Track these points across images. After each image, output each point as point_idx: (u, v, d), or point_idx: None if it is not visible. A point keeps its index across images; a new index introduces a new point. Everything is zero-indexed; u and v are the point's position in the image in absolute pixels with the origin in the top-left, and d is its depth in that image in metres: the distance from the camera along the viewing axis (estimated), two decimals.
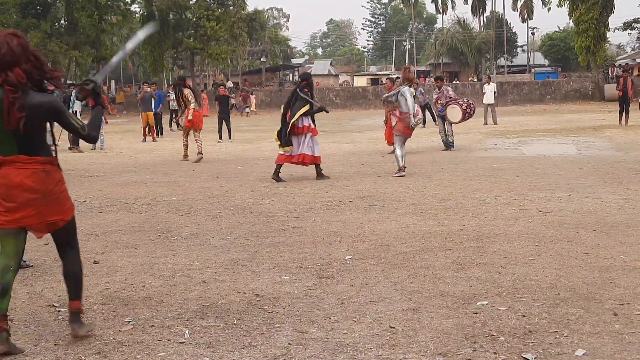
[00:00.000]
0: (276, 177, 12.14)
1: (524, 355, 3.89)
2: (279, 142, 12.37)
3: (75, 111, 20.35)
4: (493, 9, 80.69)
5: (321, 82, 71.67)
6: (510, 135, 21.76)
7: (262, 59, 69.66)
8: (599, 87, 48.86)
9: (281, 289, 5.36)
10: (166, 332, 4.44)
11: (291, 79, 74.51)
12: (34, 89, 4.11)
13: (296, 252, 6.63)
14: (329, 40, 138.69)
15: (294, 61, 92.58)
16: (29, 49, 4.11)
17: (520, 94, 51.32)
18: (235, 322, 4.61)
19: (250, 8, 62.23)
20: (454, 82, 61.65)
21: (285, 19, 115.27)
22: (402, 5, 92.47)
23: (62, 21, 54.99)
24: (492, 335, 4.23)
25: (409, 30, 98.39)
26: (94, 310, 4.95)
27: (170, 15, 56.62)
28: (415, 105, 12.95)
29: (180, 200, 10.18)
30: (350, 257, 6.37)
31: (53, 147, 4.37)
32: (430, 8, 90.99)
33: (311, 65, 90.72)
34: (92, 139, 4.47)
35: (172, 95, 25.77)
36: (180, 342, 4.25)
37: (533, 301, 4.87)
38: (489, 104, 28.26)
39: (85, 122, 4.41)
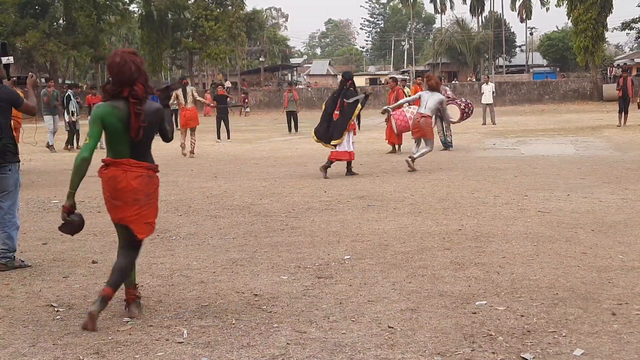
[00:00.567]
0: (324, 171, 12.48)
1: (522, 355, 3.89)
2: (320, 141, 12.69)
3: (73, 111, 20.49)
4: (492, 9, 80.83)
5: (320, 82, 71.74)
6: (509, 135, 21.77)
7: (260, 59, 69.67)
8: (598, 87, 48.89)
9: (280, 289, 5.36)
10: (164, 332, 4.44)
11: (289, 78, 74.49)
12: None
13: (295, 252, 6.63)
14: (328, 40, 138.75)
15: (293, 61, 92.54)
16: (142, 66, 4.66)
17: (519, 94, 51.34)
18: (233, 322, 4.61)
19: (248, 8, 62.31)
20: (453, 82, 61.69)
21: (283, 19, 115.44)
22: (400, 5, 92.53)
23: (61, 21, 54.97)
24: (491, 335, 4.23)
25: (408, 30, 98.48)
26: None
27: (169, 15, 56.65)
28: (413, 107, 13.16)
29: (179, 200, 10.18)
30: (348, 257, 6.37)
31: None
32: (429, 8, 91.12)
33: (310, 65, 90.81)
34: (170, 141, 5.14)
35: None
36: (179, 342, 4.25)
37: (531, 301, 4.87)
38: (487, 104, 28.27)
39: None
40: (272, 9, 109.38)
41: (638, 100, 24.61)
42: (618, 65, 56.83)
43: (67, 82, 57.75)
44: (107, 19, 54.92)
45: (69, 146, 20.71)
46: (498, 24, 76.60)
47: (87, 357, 4.04)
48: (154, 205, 4.77)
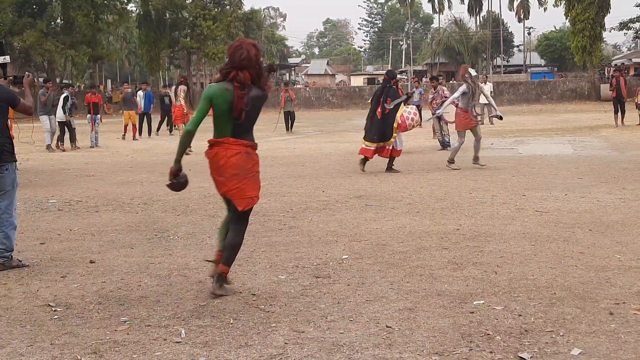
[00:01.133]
0: (390, 169, 12.75)
1: (520, 355, 3.90)
2: (370, 144, 12.87)
3: (68, 110, 20.48)
4: (489, 9, 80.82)
5: (318, 81, 71.73)
6: (507, 135, 21.78)
7: None
8: (595, 87, 48.94)
9: (278, 289, 5.36)
10: (162, 332, 4.44)
11: (287, 78, 74.48)
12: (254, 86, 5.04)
13: (292, 251, 6.63)
14: (326, 39, 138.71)
15: (291, 61, 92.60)
16: (259, 59, 5.07)
17: (517, 94, 51.37)
18: (231, 321, 4.61)
19: (246, 7, 62.22)
20: (451, 81, 61.70)
21: (281, 19, 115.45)
22: (398, 5, 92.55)
23: (58, 20, 54.85)
24: (488, 334, 4.23)
25: (406, 30, 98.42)
26: (90, 310, 4.94)
27: (167, 15, 56.56)
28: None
29: (177, 199, 10.17)
30: (346, 256, 6.37)
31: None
32: (427, 8, 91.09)
33: (308, 65, 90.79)
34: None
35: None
36: (177, 342, 4.25)
37: (529, 300, 4.88)
38: (485, 104, 28.21)
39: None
40: (270, 9, 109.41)
41: (637, 100, 24.49)
42: (615, 65, 56.85)
43: (64, 81, 57.76)
44: (105, 19, 54.80)
45: (59, 144, 20.70)
46: (496, 23, 76.63)
47: (84, 357, 4.04)
48: (254, 180, 5.15)
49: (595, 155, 15.02)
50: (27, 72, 7.03)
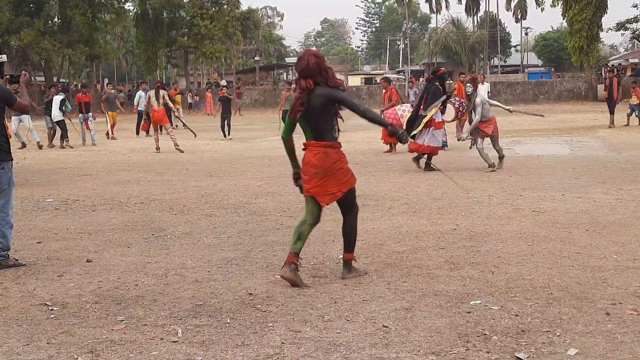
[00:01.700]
0: (429, 167, 12.66)
1: (516, 355, 3.90)
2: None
3: (63, 111, 20.97)
4: (487, 9, 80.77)
5: None
6: (504, 135, 21.75)
7: (256, 58, 69.51)
8: (592, 88, 48.98)
9: (274, 288, 5.36)
10: (159, 331, 4.43)
11: (285, 77, 74.39)
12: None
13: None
14: (323, 39, 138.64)
15: (288, 60, 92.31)
16: (323, 66, 5.41)
17: (514, 94, 51.39)
18: (228, 321, 4.61)
19: (244, 7, 62.12)
20: (448, 81, 61.68)
21: (279, 18, 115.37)
22: (396, 4, 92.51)
23: (56, 19, 54.74)
24: (485, 334, 4.24)
25: (403, 29, 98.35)
26: (86, 309, 4.93)
27: (164, 14, 56.48)
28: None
29: (174, 199, 10.17)
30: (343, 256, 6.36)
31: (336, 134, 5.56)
32: (424, 8, 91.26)
33: None
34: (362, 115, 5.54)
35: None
36: (173, 341, 4.24)
37: (526, 300, 4.88)
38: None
39: None
40: (267, 8, 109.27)
41: (632, 102, 24.44)
42: (610, 66, 56.90)
43: (61, 80, 57.68)
44: (102, 18, 54.65)
45: (59, 142, 21.42)
46: (493, 23, 76.65)
47: (81, 356, 4.03)
48: (335, 177, 5.46)
49: (592, 155, 15.04)
50: (23, 72, 7.01)
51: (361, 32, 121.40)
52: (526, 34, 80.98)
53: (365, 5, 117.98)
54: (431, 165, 12.64)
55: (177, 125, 30.46)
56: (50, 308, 4.98)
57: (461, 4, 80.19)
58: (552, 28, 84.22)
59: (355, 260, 5.71)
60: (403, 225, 7.74)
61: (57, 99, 21.18)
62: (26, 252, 6.78)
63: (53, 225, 8.31)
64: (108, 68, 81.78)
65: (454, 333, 4.27)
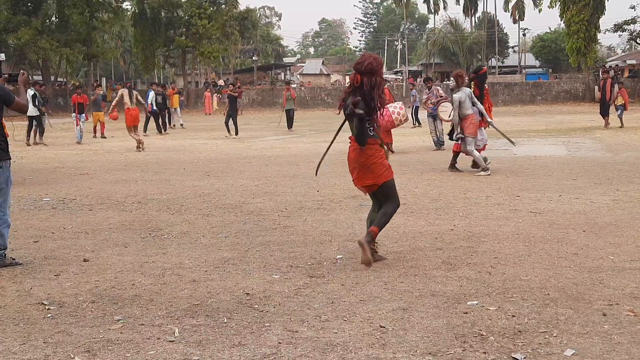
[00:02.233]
0: (453, 167, 12.74)
1: (513, 355, 3.90)
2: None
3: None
4: (485, 10, 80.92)
5: (313, 81, 71.67)
6: (501, 136, 21.77)
7: (253, 58, 69.52)
8: (590, 89, 49.04)
9: (272, 288, 5.36)
10: (156, 331, 4.43)
11: (283, 77, 74.40)
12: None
13: (287, 251, 6.63)
14: (321, 39, 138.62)
15: (286, 60, 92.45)
16: (377, 72, 5.91)
17: (511, 95, 51.47)
18: (225, 320, 4.61)
19: (242, 6, 62.13)
20: (445, 81, 61.74)
21: (277, 18, 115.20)
22: (394, 5, 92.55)
23: (53, 18, 54.69)
24: (482, 335, 4.24)
25: (401, 30, 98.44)
26: (83, 309, 4.93)
27: (162, 13, 56.47)
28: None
29: (171, 198, 10.16)
30: (340, 256, 6.37)
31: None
32: (422, 8, 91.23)
33: (303, 65, 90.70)
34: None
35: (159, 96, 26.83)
36: (170, 341, 4.24)
37: (523, 301, 4.89)
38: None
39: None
40: (265, 8, 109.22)
41: (616, 103, 24.35)
42: (610, 67, 56.98)
43: (59, 79, 57.64)
44: (100, 17, 54.59)
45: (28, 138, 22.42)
46: (491, 24, 76.68)
47: (78, 356, 4.03)
48: (371, 171, 6.04)
49: (589, 156, 15.06)
50: (21, 71, 7.00)
51: (359, 32, 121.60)
52: (524, 34, 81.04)
53: (363, 6, 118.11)
54: (455, 166, 12.74)
55: (174, 125, 30.53)
56: (47, 307, 4.98)
57: (459, 4, 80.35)
58: (550, 29, 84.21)
59: (375, 235, 6.07)
60: (400, 226, 7.74)
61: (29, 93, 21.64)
62: (23, 251, 6.77)
63: (50, 225, 8.30)
64: (106, 67, 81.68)
65: (450, 333, 4.27)
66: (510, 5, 78.29)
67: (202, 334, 4.37)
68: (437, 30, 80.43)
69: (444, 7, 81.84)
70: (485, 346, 4.06)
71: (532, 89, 52.28)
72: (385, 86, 17.21)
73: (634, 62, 61.80)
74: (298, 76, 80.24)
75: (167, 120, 28.46)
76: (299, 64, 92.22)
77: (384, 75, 6.60)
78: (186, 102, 49.72)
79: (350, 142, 6.17)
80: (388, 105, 15.58)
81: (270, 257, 6.41)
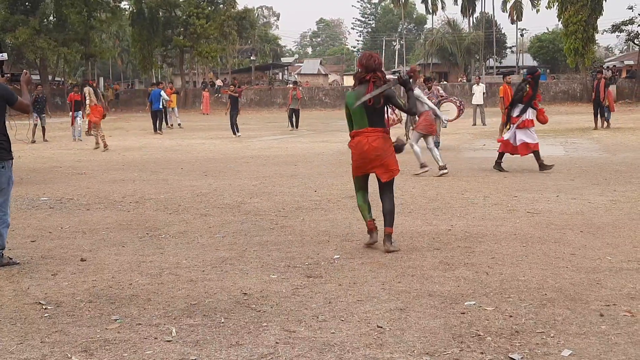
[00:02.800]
0: (498, 167, 12.71)
1: (510, 356, 3.91)
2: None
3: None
4: (482, 10, 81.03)
5: (310, 81, 71.69)
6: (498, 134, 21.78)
7: (251, 58, 69.44)
8: (587, 89, 48.96)
9: (269, 288, 5.36)
10: (153, 331, 4.43)
11: (280, 77, 74.35)
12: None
13: (284, 251, 6.63)
14: (319, 39, 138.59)
15: (284, 60, 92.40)
16: (381, 65, 6.61)
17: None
18: (222, 320, 4.60)
19: (240, 6, 62.04)
20: (442, 82, 61.75)
21: (275, 18, 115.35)
22: (392, 5, 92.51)
23: (51, 17, 54.61)
24: (479, 335, 4.24)
25: (399, 30, 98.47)
26: (80, 308, 4.92)
27: (160, 13, 56.40)
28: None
29: (169, 198, 10.16)
30: (338, 256, 6.37)
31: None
32: (420, 8, 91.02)
33: (301, 65, 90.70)
34: (411, 114, 7.65)
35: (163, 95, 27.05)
36: (167, 341, 4.24)
37: (520, 301, 4.89)
38: (477, 105, 28.37)
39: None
40: (263, 8, 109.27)
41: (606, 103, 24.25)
42: (607, 67, 57.03)
43: (56, 79, 57.56)
44: (97, 16, 54.53)
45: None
46: (489, 24, 76.67)
47: (75, 355, 4.03)
48: (392, 157, 6.60)
49: (586, 157, 15.07)
50: (24, 71, 7.00)
51: (357, 33, 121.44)
52: (522, 35, 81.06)
53: (361, 6, 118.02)
54: (500, 165, 12.68)
55: (172, 125, 30.52)
56: (44, 307, 4.97)
57: (457, 4, 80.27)
58: (548, 29, 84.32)
59: (391, 233, 6.59)
60: (398, 226, 7.72)
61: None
62: (20, 251, 6.76)
63: (47, 224, 8.29)
64: (103, 67, 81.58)
65: (448, 334, 4.27)
66: (508, 5, 78.26)
67: (200, 333, 4.36)
68: (435, 30, 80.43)
69: (442, 8, 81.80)
70: (483, 346, 4.06)
71: None
72: None
73: (631, 62, 61.85)
74: (296, 76, 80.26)
75: (165, 120, 28.64)
76: (296, 64, 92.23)
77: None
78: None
79: (362, 134, 6.52)
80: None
81: (267, 257, 6.41)
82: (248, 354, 4.01)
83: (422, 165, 12.43)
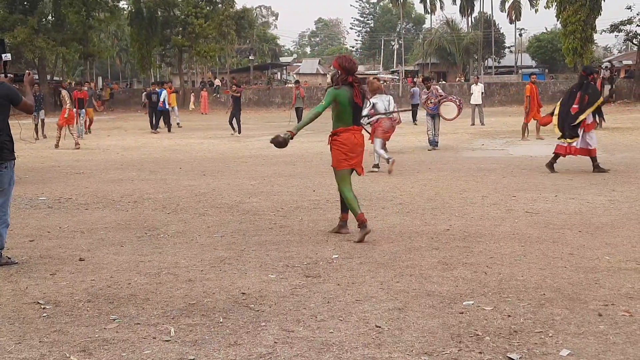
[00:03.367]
0: (551, 167, 12.54)
1: (509, 355, 3.91)
2: (560, 134, 12.72)
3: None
4: (481, 10, 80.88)
5: (309, 81, 71.65)
6: (497, 136, 21.84)
7: (250, 57, 69.41)
8: None
9: (267, 288, 5.36)
10: (152, 330, 4.43)
11: (279, 77, 74.33)
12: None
13: (283, 250, 6.63)
14: (318, 39, 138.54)
15: (282, 60, 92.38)
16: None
17: (508, 95, 51.48)
18: (221, 320, 4.60)
19: (238, 6, 62.03)
20: (441, 82, 61.77)
21: (273, 17, 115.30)
22: (390, 5, 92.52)
23: (50, 17, 54.61)
24: (478, 335, 4.24)
25: (398, 30, 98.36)
26: (79, 308, 4.92)
27: (159, 13, 56.36)
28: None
29: (167, 198, 10.15)
30: (336, 256, 6.37)
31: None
32: (419, 8, 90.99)
33: (299, 64, 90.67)
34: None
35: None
36: (166, 340, 4.24)
37: (518, 301, 4.89)
38: (476, 105, 28.38)
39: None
40: (262, 8, 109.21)
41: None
42: (606, 66, 57.01)
43: (55, 78, 57.50)
44: (96, 16, 54.48)
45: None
46: (487, 24, 76.66)
47: (73, 355, 4.02)
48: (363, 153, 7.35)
49: (585, 156, 15.04)
50: (27, 71, 7.00)
51: (355, 32, 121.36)
52: (520, 35, 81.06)
53: (359, 5, 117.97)
54: (600, 167, 12.42)
55: (178, 123, 30.54)
56: (42, 306, 4.97)
57: (456, 4, 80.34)
58: (546, 29, 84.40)
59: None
60: (396, 226, 7.74)
61: None
62: (19, 251, 6.76)
63: (46, 224, 8.29)
64: (102, 66, 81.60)
65: (446, 333, 4.28)
66: (507, 5, 78.33)
67: (198, 333, 4.36)
68: (433, 30, 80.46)
69: (441, 7, 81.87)
70: (481, 346, 4.06)
71: None
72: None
73: (630, 62, 61.92)
74: (294, 76, 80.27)
75: (163, 119, 28.60)
76: (295, 64, 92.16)
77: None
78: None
79: (348, 131, 7.10)
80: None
81: (266, 256, 6.41)
82: (247, 353, 4.01)
83: (388, 160, 12.60)
